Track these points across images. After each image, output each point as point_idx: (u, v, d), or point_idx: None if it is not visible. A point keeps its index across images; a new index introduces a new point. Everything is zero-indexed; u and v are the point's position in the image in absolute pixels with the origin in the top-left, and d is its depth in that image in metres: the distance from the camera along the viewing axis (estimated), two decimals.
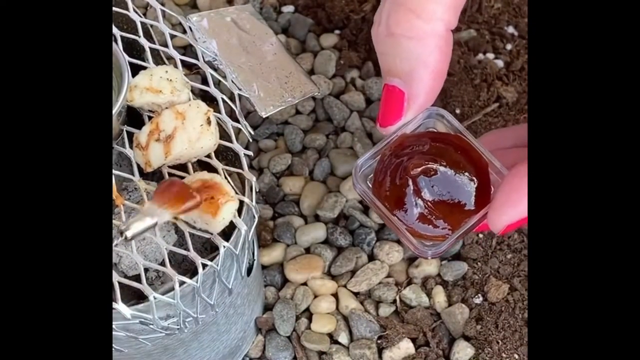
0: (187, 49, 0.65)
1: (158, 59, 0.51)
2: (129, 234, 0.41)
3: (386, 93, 0.43)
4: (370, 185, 0.44)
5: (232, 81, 0.48)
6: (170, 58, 0.51)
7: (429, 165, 0.42)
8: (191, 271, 0.47)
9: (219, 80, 0.49)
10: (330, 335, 0.56)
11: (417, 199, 0.42)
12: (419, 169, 0.42)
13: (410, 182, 0.42)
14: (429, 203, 0.42)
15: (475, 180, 0.43)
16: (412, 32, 0.41)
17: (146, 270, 0.45)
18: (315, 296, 0.58)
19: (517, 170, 0.41)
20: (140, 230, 0.41)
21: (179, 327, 0.46)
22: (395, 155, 0.43)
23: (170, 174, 0.47)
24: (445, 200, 0.43)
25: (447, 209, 0.43)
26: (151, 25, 0.52)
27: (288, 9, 0.71)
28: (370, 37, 0.46)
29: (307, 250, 0.60)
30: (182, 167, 0.47)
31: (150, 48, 0.50)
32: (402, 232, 0.43)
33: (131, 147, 0.47)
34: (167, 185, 0.43)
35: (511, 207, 0.41)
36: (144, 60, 0.50)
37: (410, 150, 0.43)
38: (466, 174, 0.43)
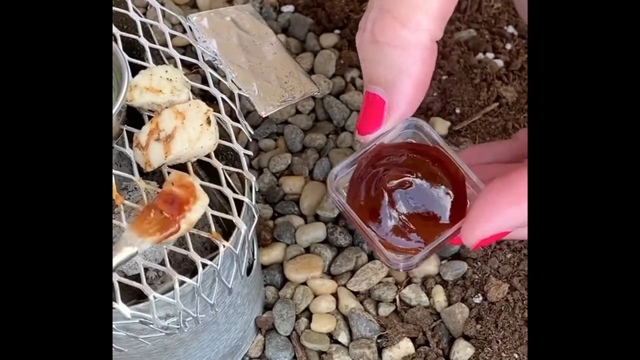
0: (187, 49, 0.65)
1: (158, 59, 0.51)
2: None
3: (367, 101, 0.43)
4: (346, 194, 0.44)
5: (232, 81, 0.48)
6: (170, 58, 0.51)
7: (405, 178, 0.42)
8: (191, 271, 0.47)
9: (219, 80, 0.49)
10: (330, 335, 0.56)
11: (392, 211, 0.42)
12: (395, 182, 0.42)
13: (386, 195, 0.42)
14: (403, 216, 0.42)
15: (451, 193, 0.43)
16: (396, 41, 0.41)
17: (146, 269, 0.45)
18: (315, 296, 0.58)
19: (493, 184, 0.40)
20: (122, 261, 0.42)
21: (178, 326, 0.46)
22: (372, 166, 0.43)
23: (169, 173, 0.47)
24: (420, 213, 0.43)
25: (421, 222, 0.43)
26: (151, 25, 0.52)
27: (288, 8, 0.71)
28: None
29: (307, 250, 0.60)
30: (182, 166, 0.47)
31: (150, 48, 0.50)
32: (375, 243, 0.42)
33: (131, 147, 0.47)
34: (144, 213, 0.43)
35: (485, 222, 0.40)
36: (144, 60, 0.50)
37: (387, 161, 0.43)
38: (442, 187, 0.43)
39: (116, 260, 0.42)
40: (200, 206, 0.44)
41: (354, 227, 0.44)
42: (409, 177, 0.42)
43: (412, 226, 0.42)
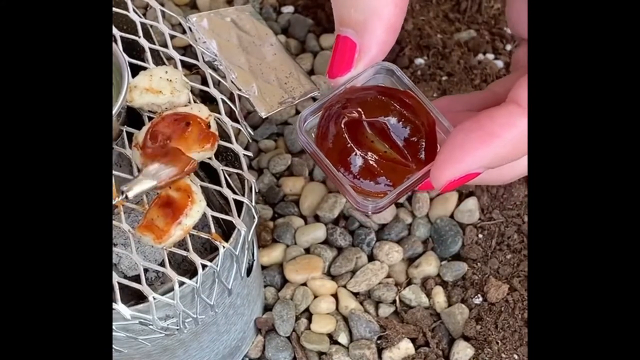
0: (187, 50, 0.65)
1: (158, 60, 0.51)
2: (130, 194, 0.42)
3: (337, 43, 0.43)
4: (314, 137, 0.43)
5: (232, 81, 0.48)
6: (170, 58, 0.51)
7: (374, 119, 0.41)
8: (191, 272, 0.47)
9: (219, 81, 0.49)
10: (329, 336, 0.56)
11: (360, 153, 0.41)
12: (364, 115, 0.41)
13: (351, 131, 0.41)
14: (371, 158, 0.41)
15: (421, 136, 0.42)
16: None
17: (146, 270, 0.45)
18: (315, 296, 0.58)
19: (462, 126, 0.40)
20: (141, 192, 0.43)
21: (178, 327, 0.46)
22: (339, 107, 0.42)
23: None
24: (388, 155, 0.42)
25: (389, 165, 0.42)
26: (151, 26, 0.52)
27: (288, 9, 0.71)
28: None
29: (307, 251, 0.60)
30: None
31: (150, 48, 0.50)
32: (344, 186, 0.42)
33: (131, 148, 0.47)
34: (164, 150, 0.44)
35: (454, 163, 0.40)
36: (144, 61, 0.50)
37: (356, 102, 0.42)
38: (412, 129, 0.42)
39: (136, 190, 0.42)
40: (196, 211, 0.44)
41: (322, 170, 0.43)
42: (378, 116, 0.42)
43: (380, 169, 0.42)
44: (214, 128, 0.46)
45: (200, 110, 0.46)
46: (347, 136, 0.42)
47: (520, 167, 0.44)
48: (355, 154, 0.41)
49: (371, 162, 0.41)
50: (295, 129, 0.43)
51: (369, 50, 0.42)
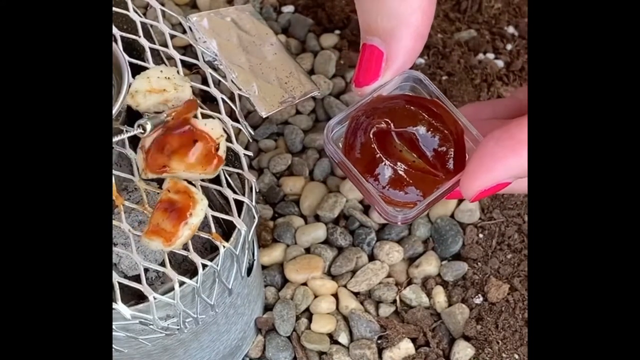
0: (187, 49, 0.65)
1: (158, 59, 0.51)
2: (148, 127, 0.44)
3: (364, 52, 0.42)
4: (342, 147, 0.43)
5: (232, 81, 0.48)
6: (170, 58, 0.51)
7: (403, 129, 0.41)
8: (191, 271, 0.47)
9: (219, 80, 0.49)
10: (330, 336, 0.56)
11: (389, 163, 0.41)
12: (392, 125, 0.41)
13: (380, 141, 0.41)
14: (400, 168, 0.41)
15: (450, 146, 0.42)
16: None
17: (146, 270, 0.45)
18: (315, 296, 0.58)
19: (492, 135, 0.40)
20: (155, 124, 0.44)
21: (178, 327, 0.46)
22: (366, 117, 0.42)
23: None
24: (418, 166, 0.41)
25: (419, 175, 0.41)
26: (151, 25, 0.52)
27: (288, 9, 0.71)
28: None
29: (307, 251, 0.60)
30: None
31: (150, 48, 0.50)
32: (374, 196, 0.41)
33: (131, 148, 0.47)
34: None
35: (484, 172, 0.39)
36: (144, 61, 0.50)
37: (384, 112, 0.42)
38: (440, 139, 0.42)
39: (152, 123, 0.44)
40: (200, 209, 0.44)
41: (351, 180, 0.42)
42: (407, 126, 0.41)
43: (409, 179, 0.41)
44: (222, 151, 0.46)
45: (213, 129, 0.46)
46: (375, 146, 0.41)
47: None
48: (384, 164, 0.41)
49: (400, 172, 0.41)
50: (323, 138, 0.43)
51: (396, 58, 0.42)
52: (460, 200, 0.60)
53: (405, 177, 0.41)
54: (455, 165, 0.42)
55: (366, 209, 0.61)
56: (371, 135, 0.41)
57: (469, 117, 0.43)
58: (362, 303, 0.58)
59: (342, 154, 0.42)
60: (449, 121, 0.42)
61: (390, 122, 0.42)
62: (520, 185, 0.42)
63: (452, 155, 0.42)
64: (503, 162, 0.39)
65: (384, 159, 0.41)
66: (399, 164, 0.41)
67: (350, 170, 0.42)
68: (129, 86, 0.46)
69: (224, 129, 0.47)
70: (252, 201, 0.46)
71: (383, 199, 0.41)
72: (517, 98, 0.49)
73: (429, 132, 0.42)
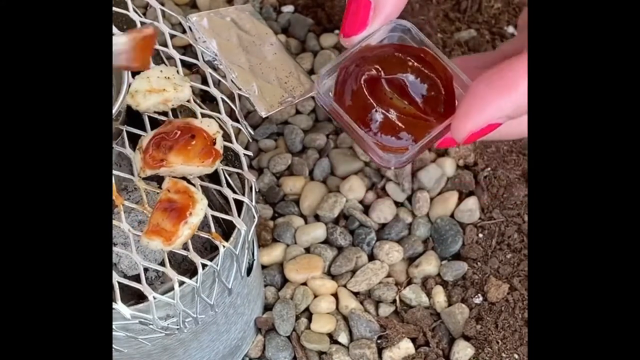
0: (187, 49, 0.65)
1: (158, 59, 0.51)
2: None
3: (351, 1, 0.43)
4: (332, 96, 0.43)
5: (232, 81, 0.48)
6: (170, 58, 0.51)
7: (393, 75, 0.42)
8: (191, 271, 0.47)
9: (219, 80, 0.49)
10: (330, 335, 0.56)
11: (381, 109, 0.42)
12: (382, 73, 0.41)
13: (370, 89, 0.41)
14: (392, 114, 0.42)
15: (440, 91, 0.42)
16: None
17: (146, 270, 0.45)
18: (315, 296, 0.58)
19: (482, 77, 0.40)
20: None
21: (178, 327, 0.46)
22: (357, 65, 0.42)
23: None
24: (409, 111, 0.42)
25: (410, 120, 0.42)
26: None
27: (288, 8, 0.71)
28: None
29: (307, 250, 0.60)
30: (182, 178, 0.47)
31: None
32: (367, 142, 0.42)
33: (131, 147, 0.47)
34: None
35: (475, 113, 0.40)
36: None
37: (373, 60, 0.42)
38: (430, 85, 0.42)
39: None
40: (200, 209, 0.44)
41: (343, 127, 0.43)
42: (398, 72, 0.42)
43: (401, 125, 0.42)
44: (219, 145, 0.46)
45: (210, 126, 0.46)
46: (367, 93, 0.42)
47: None
48: (376, 111, 0.42)
49: (392, 119, 0.42)
50: (315, 88, 0.43)
51: (384, 7, 0.42)
52: (460, 200, 0.60)
53: (397, 122, 0.42)
54: (446, 110, 0.42)
55: (366, 209, 0.61)
56: (362, 82, 0.42)
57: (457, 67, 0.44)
58: (362, 303, 0.58)
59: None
60: (438, 68, 0.43)
61: (380, 69, 0.42)
62: (508, 130, 0.42)
63: (442, 101, 0.42)
64: (494, 103, 0.39)
65: (376, 106, 0.42)
66: (390, 110, 0.42)
67: (343, 117, 0.42)
68: (129, 86, 0.46)
69: (224, 129, 0.47)
70: (252, 201, 0.46)
71: (376, 144, 0.42)
72: (503, 50, 0.49)
73: (418, 79, 0.42)
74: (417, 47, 0.44)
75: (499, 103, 0.39)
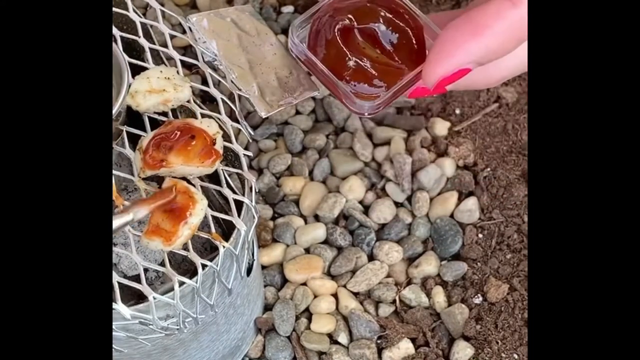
0: (187, 50, 0.65)
1: (158, 59, 0.51)
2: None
3: None
4: (305, 46, 0.44)
5: (232, 81, 0.48)
6: (170, 58, 0.51)
7: (364, 25, 0.43)
8: (191, 271, 0.47)
9: (219, 81, 0.49)
10: (329, 336, 0.56)
11: (354, 57, 0.43)
12: (355, 23, 0.43)
13: (343, 38, 0.43)
14: (364, 62, 0.43)
15: (411, 40, 0.44)
16: None
17: (146, 270, 0.45)
18: (315, 296, 0.58)
19: (452, 23, 0.41)
20: (118, 226, 0.42)
21: (178, 327, 0.46)
22: (330, 16, 0.44)
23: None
24: (381, 60, 0.43)
25: (383, 68, 0.43)
26: (151, 26, 0.52)
27: (288, 9, 0.71)
28: None
29: (307, 251, 0.60)
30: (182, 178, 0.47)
31: (150, 48, 0.50)
32: (343, 90, 0.43)
33: (131, 148, 0.47)
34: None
35: (446, 58, 0.40)
36: (143, 61, 0.50)
37: (345, 10, 0.44)
38: (401, 33, 0.44)
39: (115, 225, 0.42)
40: (200, 209, 0.44)
41: (317, 76, 0.44)
42: (369, 21, 0.43)
43: (374, 72, 0.43)
44: (219, 146, 0.46)
45: (209, 126, 0.46)
46: (340, 42, 0.43)
47: (506, 68, 0.44)
48: (349, 59, 0.43)
49: (365, 67, 0.43)
50: (289, 38, 0.44)
51: None
52: (460, 201, 0.60)
53: (370, 70, 0.43)
54: (417, 59, 0.44)
55: (366, 209, 0.61)
56: (336, 32, 0.43)
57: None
58: (361, 303, 0.58)
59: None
60: (409, 18, 0.44)
61: (353, 19, 0.44)
62: (479, 76, 0.43)
63: (413, 50, 0.44)
64: (464, 47, 0.40)
65: (349, 55, 0.43)
66: (363, 59, 0.43)
67: (317, 65, 0.43)
68: (129, 86, 0.46)
69: (224, 129, 0.47)
70: (251, 201, 0.46)
71: (350, 92, 0.43)
72: (476, 4, 0.49)
73: (390, 28, 0.44)
74: None
75: (469, 47, 0.40)
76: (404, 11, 0.44)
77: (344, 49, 0.43)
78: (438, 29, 0.44)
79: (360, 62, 0.43)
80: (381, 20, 0.44)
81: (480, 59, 0.40)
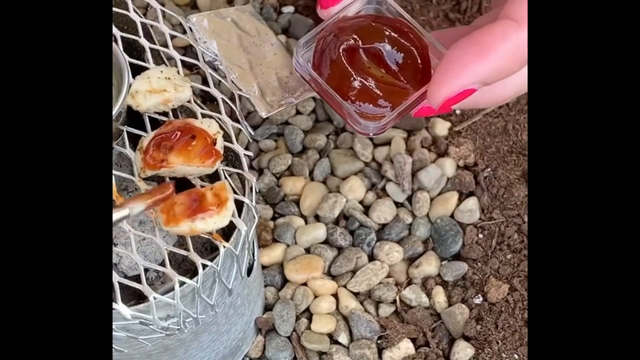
0: (188, 50, 0.65)
1: (158, 59, 0.51)
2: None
3: None
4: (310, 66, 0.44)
5: (232, 81, 0.48)
6: (170, 58, 0.51)
7: (369, 45, 0.43)
8: (191, 271, 0.47)
9: (219, 81, 0.50)
10: (330, 336, 0.56)
11: (358, 77, 0.43)
12: (359, 42, 0.43)
13: (348, 58, 0.43)
14: (369, 82, 0.43)
15: (416, 60, 0.43)
16: None
17: (146, 270, 0.45)
18: (315, 296, 0.58)
19: (457, 44, 0.41)
20: (115, 222, 0.41)
21: (179, 327, 0.46)
22: (334, 35, 0.44)
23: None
24: (386, 80, 0.43)
25: (387, 88, 0.43)
26: (151, 26, 0.52)
27: (288, 9, 0.71)
28: None
29: (307, 251, 0.60)
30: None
31: (150, 48, 0.50)
32: (347, 111, 0.43)
33: (131, 148, 0.47)
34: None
35: (451, 79, 0.40)
36: (144, 61, 0.50)
37: (350, 30, 0.44)
38: (406, 53, 0.43)
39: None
40: (213, 222, 0.44)
41: (321, 96, 0.44)
42: (374, 41, 0.43)
43: (379, 92, 0.43)
44: (219, 146, 0.46)
45: (210, 126, 0.46)
46: (345, 62, 0.43)
47: (511, 88, 0.44)
48: (354, 79, 0.43)
49: (370, 87, 0.43)
50: (293, 57, 0.44)
51: None
52: (460, 201, 0.60)
53: (375, 90, 0.43)
54: (422, 79, 0.44)
55: (366, 209, 0.61)
56: (341, 52, 0.43)
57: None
58: (362, 303, 0.58)
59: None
60: (414, 37, 0.44)
61: (357, 39, 0.43)
62: (484, 96, 0.43)
63: (418, 69, 0.44)
64: (469, 67, 0.40)
65: (354, 74, 0.43)
66: (368, 79, 0.43)
67: (322, 86, 0.43)
68: (129, 86, 0.46)
69: (224, 129, 0.47)
70: (252, 201, 0.46)
71: (355, 112, 0.43)
72: (477, 26, 0.49)
73: (395, 48, 0.43)
74: (393, 17, 0.45)
75: (474, 68, 0.40)
76: (408, 30, 0.44)
77: (349, 69, 0.43)
78: (443, 48, 0.44)
79: (365, 82, 0.43)
80: (386, 40, 0.44)
81: (486, 79, 0.40)
